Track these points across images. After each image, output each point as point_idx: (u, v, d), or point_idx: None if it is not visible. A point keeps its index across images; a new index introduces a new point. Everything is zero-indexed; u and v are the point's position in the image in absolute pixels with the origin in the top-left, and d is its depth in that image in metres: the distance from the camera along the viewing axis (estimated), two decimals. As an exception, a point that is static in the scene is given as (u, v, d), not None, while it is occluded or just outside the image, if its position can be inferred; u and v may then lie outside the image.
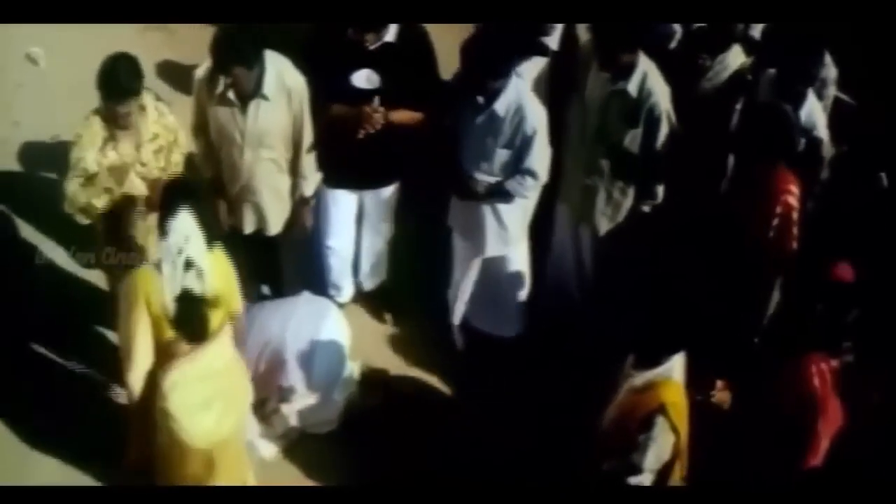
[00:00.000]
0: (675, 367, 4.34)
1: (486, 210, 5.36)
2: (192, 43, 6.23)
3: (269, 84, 5.00)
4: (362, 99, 5.12)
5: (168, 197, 4.49)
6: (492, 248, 5.48)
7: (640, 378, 4.35)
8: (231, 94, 5.00)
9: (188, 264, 4.30)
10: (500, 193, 5.28)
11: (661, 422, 4.22)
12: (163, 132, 4.98)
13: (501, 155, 5.19)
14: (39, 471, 5.13)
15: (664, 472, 4.37)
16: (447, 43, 5.42)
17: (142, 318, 4.46)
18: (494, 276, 5.62)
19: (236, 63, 4.86)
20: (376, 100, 5.11)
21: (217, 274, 4.48)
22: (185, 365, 4.40)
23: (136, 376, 4.56)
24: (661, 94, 5.15)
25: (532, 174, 5.21)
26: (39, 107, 6.40)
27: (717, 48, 5.42)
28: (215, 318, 4.44)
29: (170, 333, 4.43)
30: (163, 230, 4.40)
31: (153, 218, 4.85)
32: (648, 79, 5.12)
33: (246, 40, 4.89)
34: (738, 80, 5.45)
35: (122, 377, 4.65)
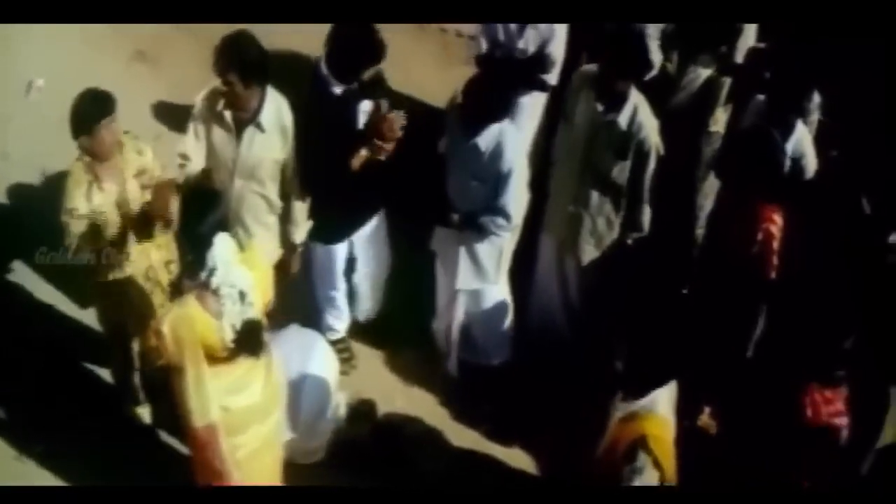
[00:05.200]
0: (660, 400, 4.36)
1: (462, 243, 5.36)
2: (177, 77, 6.27)
3: (267, 117, 4.93)
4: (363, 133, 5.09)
5: (189, 207, 4.48)
6: (463, 282, 5.47)
7: (624, 409, 4.39)
8: (228, 117, 4.93)
9: (242, 295, 4.37)
10: (473, 226, 5.26)
11: (643, 455, 4.23)
12: (149, 166, 4.98)
13: (475, 187, 5.19)
14: (38, 472, 5.22)
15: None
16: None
17: (200, 359, 4.39)
18: (477, 311, 5.62)
19: (233, 67, 4.72)
20: (384, 104, 5.08)
21: (254, 272, 4.50)
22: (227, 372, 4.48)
23: (208, 406, 4.46)
24: (651, 129, 5.15)
25: (504, 214, 5.19)
26: (29, 139, 6.40)
27: (687, 54, 5.47)
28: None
29: (221, 354, 4.44)
30: (190, 238, 4.39)
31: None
32: (639, 112, 5.12)
33: (252, 49, 4.79)
34: (711, 85, 5.51)
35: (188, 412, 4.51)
